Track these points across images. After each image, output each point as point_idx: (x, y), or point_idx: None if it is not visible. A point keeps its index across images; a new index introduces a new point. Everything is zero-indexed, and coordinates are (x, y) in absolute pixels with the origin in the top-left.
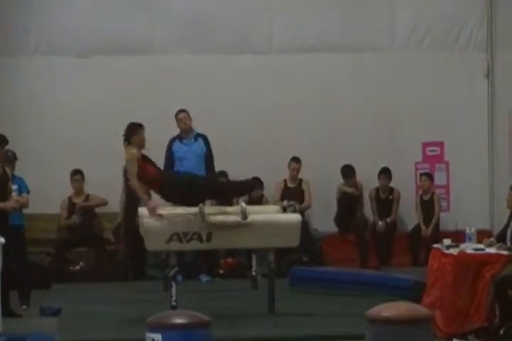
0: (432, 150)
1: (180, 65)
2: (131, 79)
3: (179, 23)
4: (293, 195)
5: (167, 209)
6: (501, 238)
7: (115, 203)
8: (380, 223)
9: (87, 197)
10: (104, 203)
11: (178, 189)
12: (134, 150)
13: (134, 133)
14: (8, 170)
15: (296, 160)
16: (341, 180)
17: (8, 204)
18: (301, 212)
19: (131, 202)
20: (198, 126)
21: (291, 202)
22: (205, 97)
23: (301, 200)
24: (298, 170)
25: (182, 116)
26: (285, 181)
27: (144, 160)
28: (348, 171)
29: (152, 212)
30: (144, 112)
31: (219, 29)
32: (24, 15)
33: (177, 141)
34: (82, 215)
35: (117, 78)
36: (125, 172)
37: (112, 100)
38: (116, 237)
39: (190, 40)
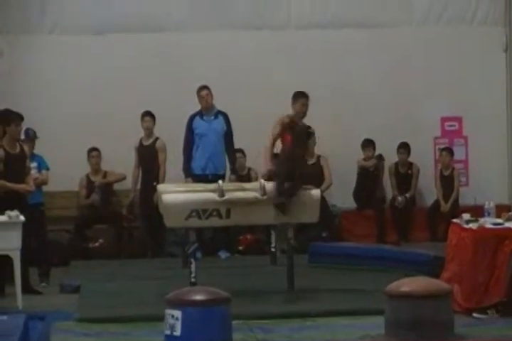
0: (450, 125)
1: (195, 41)
2: (147, 57)
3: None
4: (311, 171)
5: (185, 186)
6: None
7: None
8: (399, 198)
9: (105, 174)
10: (123, 178)
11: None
12: (286, 119)
13: (296, 101)
14: (26, 148)
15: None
16: (360, 156)
17: (21, 188)
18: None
19: (148, 178)
20: (214, 103)
21: None
22: (220, 74)
23: (320, 176)
24: (313, 142)
25: (204, 94)
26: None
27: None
28: (365, 143)
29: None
30: (160, 89)
31: (235, 5)
32: None
33: (197, 118)
34: (101, 193)
35: (133, 55)
36: (139, 148)
37: (127, 78)
38: (130, 214)
39: (205, 17)
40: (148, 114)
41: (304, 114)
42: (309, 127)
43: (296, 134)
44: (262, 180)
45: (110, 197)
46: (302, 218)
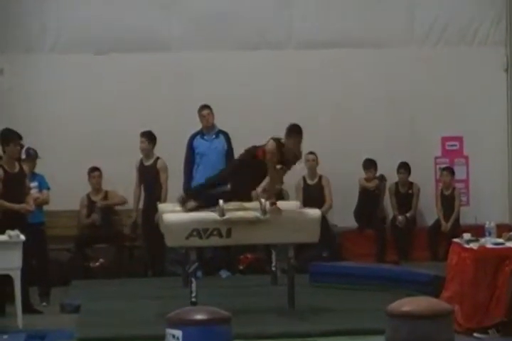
0: (451, 145)
1: (196, 61)
2: (148, 76)
3: (195, 19)
4: (313, 191)
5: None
6: None
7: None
8: (399, 218)
9: (106, 194)
10: (124, 202)
11: None
12: (274, 146)
13: (289, 136)
14: (25, 167)
15: (310, 153)
16: (361, 175)
17: (21, 207)
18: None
19: (150, 198)
20: (215, 122)
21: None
22: (221, 93)
23: (322, 197)
24: (315, 161)
25: (205, 113)
26: (304, 178)
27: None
28: (367, 164)
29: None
30: (161, 108)
31: (235, 24)
32: (41, 13)
33: (198, 137)
34: (102, 213)
35: (133, 75)
36: (140, 168)
37: (128, 96)
38: (133, 233)
39: (206, 36)
40: (143, 135)
41: (295, 151)
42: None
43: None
44: (263, 200)
45: (111, 217)
46: (303, 238)
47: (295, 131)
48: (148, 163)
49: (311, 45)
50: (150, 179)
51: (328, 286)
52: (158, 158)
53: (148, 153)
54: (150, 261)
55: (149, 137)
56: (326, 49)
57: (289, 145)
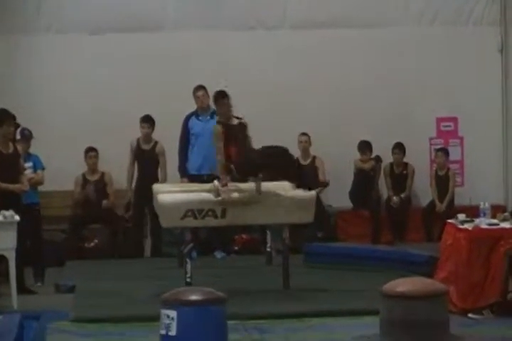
0: (446, 126)
1: (192, 41)
2: (144, 56)
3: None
4: (306, 172)
5: (181, 186)
6: None
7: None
8: (394, 198)
9: (102, 175)
10: (120, 194)
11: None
12: (219, 127)
13: (216, 104)
14: (20, 147)
15: (303, 134)
16: (356, 156)
17: (16, 188)
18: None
19: (146, 181)
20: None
21: None
22: (216, 74)
23: (315, 177)
24: (308, 143)
25: (200, 94)
26: (297, 159)
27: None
28: (362, 146)
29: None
30: (156, 89)
31: (231, 4)
32: None
33: (193, 118)
34: (96, 188)
35: (129, 55)
36: (137, 152)
37: (124, 77)
38: (127, 214)
39: (202, 16)
40: (144, 120)
41: (226, 114)
42: (240, 119)
43: (236, 137)
44: (258, 181)
45: (106, 197)
46: (297, 218)
47: (219, 97)
48: (147, 146)
49: (307, 25)
50: (147, 162)
51: (322, 267)
52: (156, 142)
53: (148, 136)
54: (139, 241)
55: (150, 122)
56: (321, 29)
57: (220, 112)
